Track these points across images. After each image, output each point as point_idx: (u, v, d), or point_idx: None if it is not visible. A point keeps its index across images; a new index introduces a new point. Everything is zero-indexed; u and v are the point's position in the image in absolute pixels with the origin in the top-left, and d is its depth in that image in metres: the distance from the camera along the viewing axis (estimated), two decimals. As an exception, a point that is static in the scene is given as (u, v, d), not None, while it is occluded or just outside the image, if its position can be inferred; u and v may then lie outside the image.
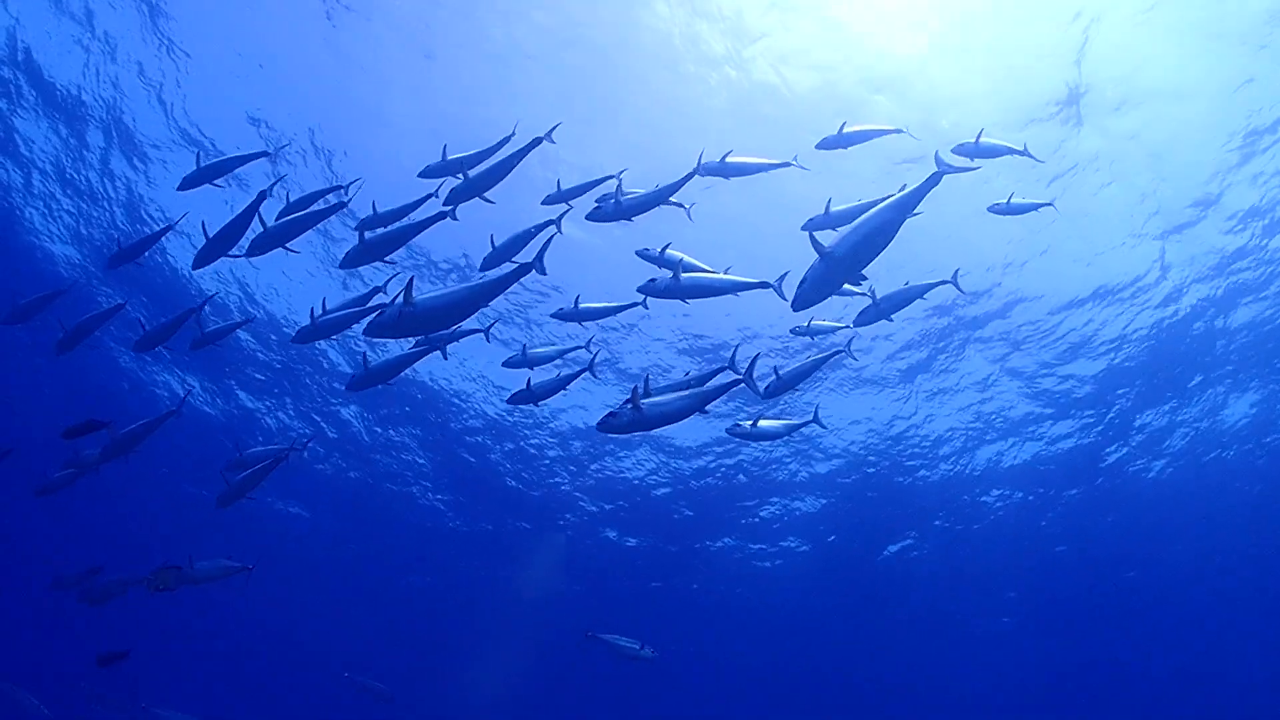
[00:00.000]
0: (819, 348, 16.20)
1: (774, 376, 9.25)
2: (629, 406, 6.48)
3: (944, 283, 9.31)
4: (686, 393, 6.58)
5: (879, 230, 5.69)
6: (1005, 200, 11.05)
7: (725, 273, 8.44)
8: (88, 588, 11.33)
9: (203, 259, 8.36)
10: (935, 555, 29.32)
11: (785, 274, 8.25)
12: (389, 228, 8.03)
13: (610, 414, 6.57)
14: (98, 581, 11.29)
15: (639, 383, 7.29)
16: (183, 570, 9.08)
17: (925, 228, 7.47)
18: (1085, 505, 26.53)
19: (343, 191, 9.14)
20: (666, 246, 8.88)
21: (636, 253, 8.97)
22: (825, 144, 10.37)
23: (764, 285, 8.01)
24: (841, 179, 12.93)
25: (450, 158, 9.20)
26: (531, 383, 9.74)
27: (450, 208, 8.31)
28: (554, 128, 8.63)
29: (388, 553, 31.70)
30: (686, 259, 8.91)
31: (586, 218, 8.80)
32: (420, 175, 9.35)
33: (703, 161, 9.53)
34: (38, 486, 12.55)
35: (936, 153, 6.33)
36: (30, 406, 23.25)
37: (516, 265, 6.40)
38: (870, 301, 8.78)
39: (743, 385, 7.04)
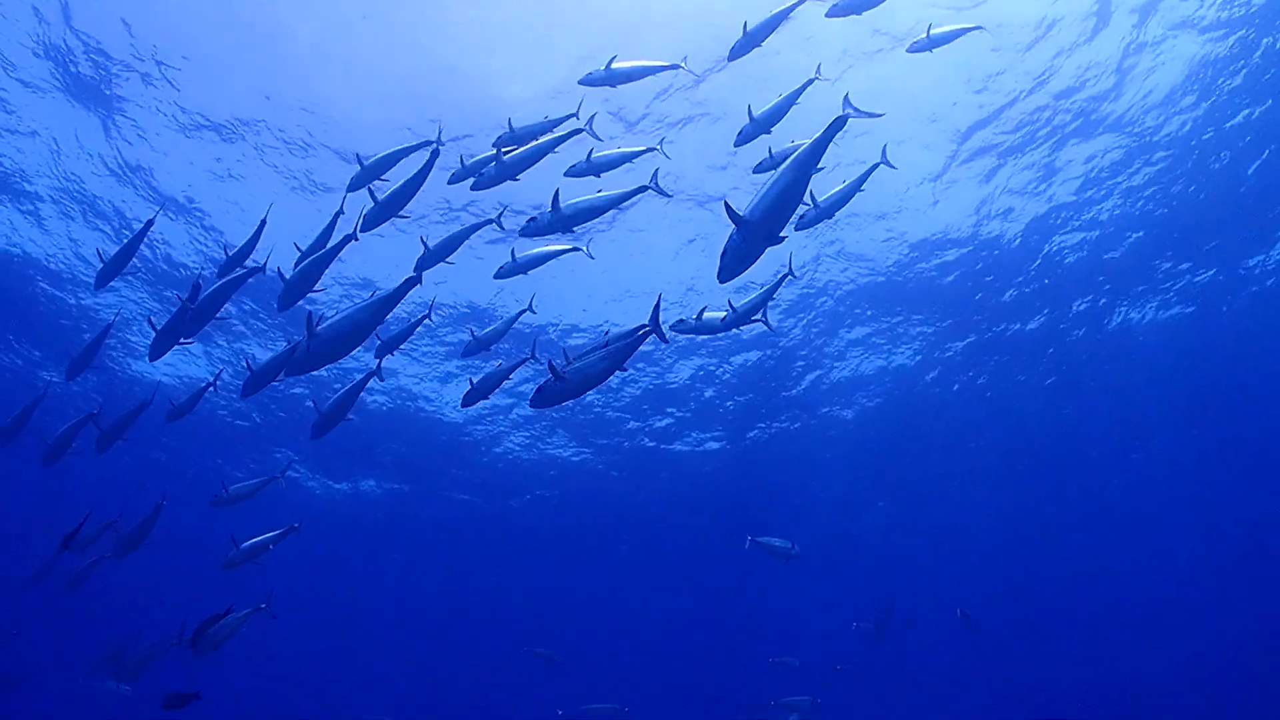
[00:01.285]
0: None
1: (730, 310, 9.01)
2: (552, 381, 6.69)
3: (877, 165, 9.14)
4: (602, 353, 6.69)
5: (787, 190, 5.70)
6: (924, 34, 9.95)
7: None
8: (119, 665, 11.60)
9: (157, 350, 8.73)
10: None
11: (656, 169, 8.44)
12: (305, 262, 8.33)
13: (538, 390, 6.77)
14: (128, 656, 11.58)
15: (559, 357, 7.49)
16: (223, 620, 9.25)
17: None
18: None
19: (254, 260, 9.26)
20: (591, 152, 8.84)
21: (565, 173, 8.85)
22: None
23: (641, 190, 8.01)
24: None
25: (368, 162, 9.39)
26: (474, 381, 9.78)
27: (352, 231, 8.50)
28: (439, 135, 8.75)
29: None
30: (618, 150, 8.95)
31: (472, 189, 8.68)
32: (349, 190, 9.60)
33: (588, 73, 9.28)
34: (67, 580, 13.10)
35: (846, 96, 6.24)
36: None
37: (406, 279, 6.68)
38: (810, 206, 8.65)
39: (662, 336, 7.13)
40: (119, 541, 10.72)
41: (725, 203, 5.77)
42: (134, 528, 10.82)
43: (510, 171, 8.39)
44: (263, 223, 9.88)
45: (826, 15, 9.88)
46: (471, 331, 11.23)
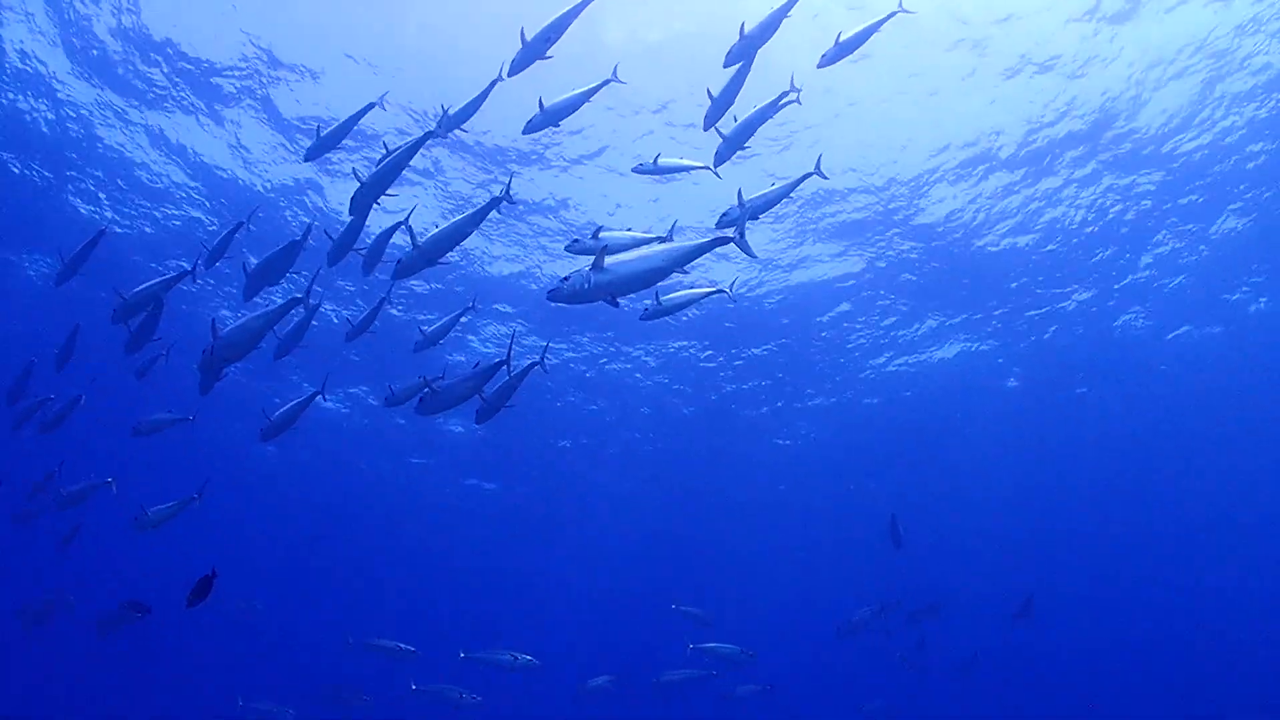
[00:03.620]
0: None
1: (654, 302, 8.52)
2: (428, 394, 7.90)
3: (809, 175, 8.50)
4: (468, 374, 7.84)
5: (652, 273, 6.19)
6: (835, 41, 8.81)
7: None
8: (29, 613, 12.42)
9: (136, 344, 9.71)
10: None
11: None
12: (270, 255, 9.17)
13: (420, 401, 8.00)
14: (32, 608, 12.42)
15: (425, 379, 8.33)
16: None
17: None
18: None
19: (197, 269, 9.75)
20: (540, 101, 8.71)
21: (523, 130, 8.87)
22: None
23: (496, 201, 7.56)
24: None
25: (324, 133, 10.07)
26: (394, 388, 9.96)
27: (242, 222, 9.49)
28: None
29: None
30: (573, 93, 8.76)
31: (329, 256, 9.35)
32: (305, 159, 10.64)
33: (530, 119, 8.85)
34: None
35: (724, 214, 6.63)
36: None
37: (292, 298, 7.80)
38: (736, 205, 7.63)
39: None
40: (58, 499, 12.11)
41: (604, 248, 6.26)
42: (73, 491, 12.23)
43: (373, 260, 9.43)
44: (239, 224, 10.16)
45: (818, 67, 9.10)
46: (421, 330, 11.68)
